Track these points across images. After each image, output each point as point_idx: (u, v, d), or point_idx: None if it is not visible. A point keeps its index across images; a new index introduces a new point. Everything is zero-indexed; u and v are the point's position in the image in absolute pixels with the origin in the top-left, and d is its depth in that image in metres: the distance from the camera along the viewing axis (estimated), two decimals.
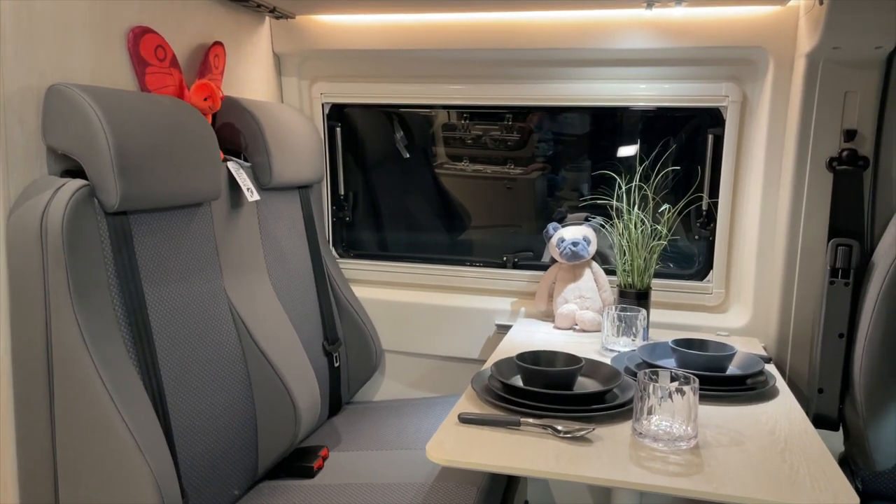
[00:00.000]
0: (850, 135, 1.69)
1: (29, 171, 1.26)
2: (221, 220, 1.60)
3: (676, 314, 1.99)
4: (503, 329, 2.06)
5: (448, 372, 2.16)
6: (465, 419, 1.25)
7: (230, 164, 1.66)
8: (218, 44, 1.75)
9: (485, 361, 2.06)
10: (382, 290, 2.22)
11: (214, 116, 1.74)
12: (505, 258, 2.19)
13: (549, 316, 2.04)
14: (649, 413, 1.17)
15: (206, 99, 1.60)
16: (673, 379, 1.19)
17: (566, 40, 1.89)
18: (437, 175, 2.27)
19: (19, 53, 1.23)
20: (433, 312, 2.13)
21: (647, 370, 1.19)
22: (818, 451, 1.16)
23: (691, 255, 2.07)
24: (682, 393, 1.15)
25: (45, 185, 1.23)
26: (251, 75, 2.00)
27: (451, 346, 2.12)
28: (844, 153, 1.69)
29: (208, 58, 1.71)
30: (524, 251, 2.20)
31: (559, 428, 1.20)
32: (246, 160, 1.78)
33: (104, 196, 1.24)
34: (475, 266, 2.21)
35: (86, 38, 1.38)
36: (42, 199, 1.20)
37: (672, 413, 1.16)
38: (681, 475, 1.06)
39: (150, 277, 1.36)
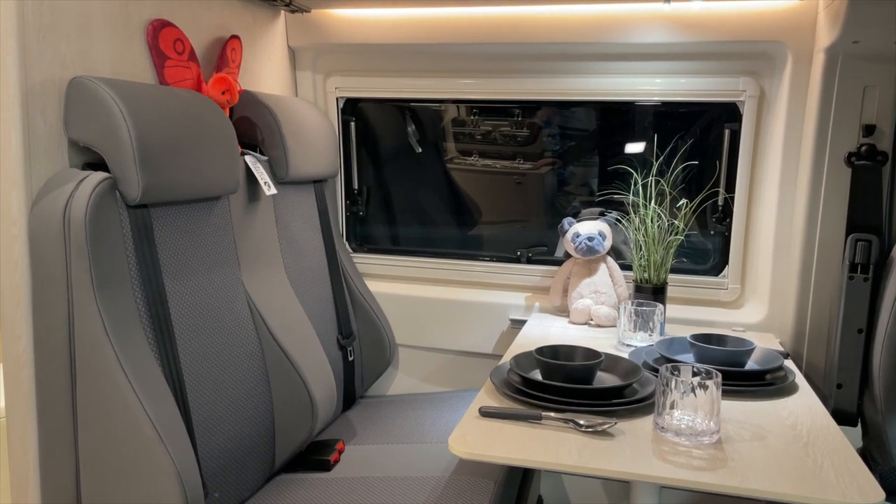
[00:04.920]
0: (868, 130, 1.68)
1: (51, 164, 1.26)
2: (239, 213, 1.60)
3: (691, 309, 1.98)
4: (517, 324, 2.06)
5: (462, 366, 2.16)
6: (485, 413, 1.25)
7: (248, 158, 1.66)
8: (235, 37, 1.75)
9: (499, 356, 2.07)
10: (396, 284, 2.22)
11: (231, 110, 1.74)
12: (519, 253, 2.19)
13: (563, 311, 2.04)
14: (671, 408, 1.17)
15: (224, 93, 1.60)
16: (695, 374, 1.19)
17: (582, 34, 1.89)
18: (449, 170, 2.27)
19: (41, 46, 1.23)
20: (447, 307, 2.13)
21: (668, 365, 1.19)
22: (841, 446, 1.16)
23: (706, 250, 2.06)
24: (705, 388, 1.15)
25: (67, 177, 1.23)
26: (266, 69, 2.00)
27: (464, 341, 2.12)
28: (863, 148, 1.68)
29: (225, 51, 1.71)
30: (537, 246, 2.20)
31: (581, 422, 1.19)
32: (262, 154, 1.78)
33: (126, 188, 1.25)
34: (488, 261, 2.20)
35: (106, 31, 1.38)
36: (65, 192, 1.20)
37: (694, 408, 1.16)
38: (705, 469, 1.06)
39: (170, 270, 1.37)
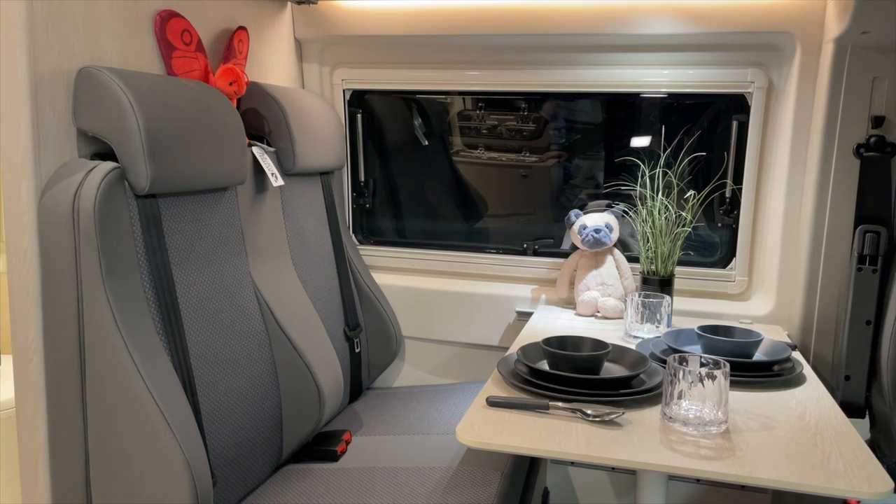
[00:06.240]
0: (877, 121, 1.67)
1: (60, 154, 1.27)
2: (246, 204, 1.61)
3: (698, 302, 1.98)
4: (524, 316, 2.06)
5: (468, 359, 2.17)
6: (493, 402, 1.25)
7: (255, 149, 1.66)
8: (242, 29, 1.75)
9: (505, 349, 2.07)
10: (402, 276, 2.22)
11: (238, 101, 1.74)
12: (525, 245, 2.18)
13: (569, 303, 2.04)
14: (679, 398, 1.17)
15: (231, 83, 1.60)
16: (703, 364, 1.18)
17: (589, 26, 1.88)
18: (456, 163, 2.27)
19: (50, 37, 1.24)
20: (453, 299, 2.13)
21: (676, 355, 1.19)
22: (850, 436, 1.16)
23: (713, 242, 2.06)
24: (713, 378, 1.14)
25: (76, 167, 1.24)
26: (273, 61, 2.00)
27: (471, 333, 2.13)
28: (872, 139, 1.67)
29: (232, 43, 1.71)
30: (544, 238, 2.20)
31: (588, 412, 1.19)
32: (269, 145, 1.78)
33: (134, 178, 1.25)
34: (495, 253, 2.20)
35: (114, 21, 1.38)
36: (74, 182, 1.20)
37: (702, 398, 1.16)
38: (713, 459, 1.06)
39: (178, 260, 1.37)
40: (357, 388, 2.05)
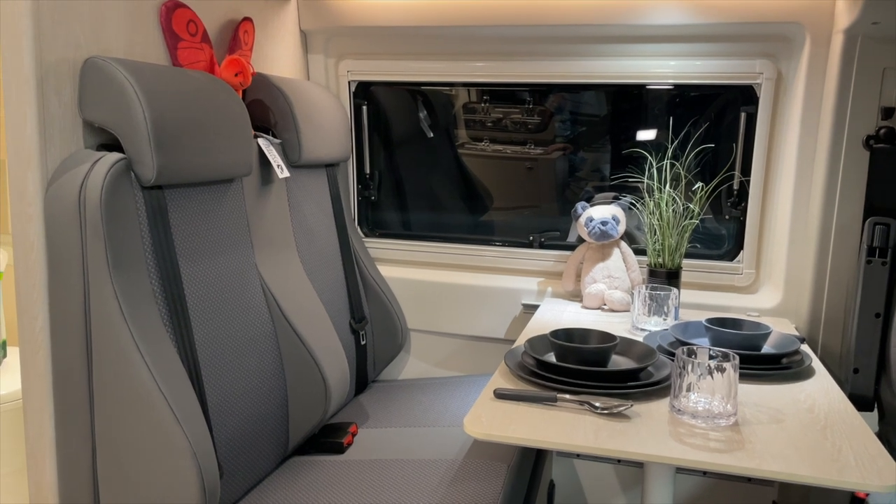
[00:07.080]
0: (887, 112, 1.66)
1: (66, 145, 1.26)
2: (252, 196, 1.60)
3: (705, 294, 1.97)
4: (530, 309, 2.06)
5: (474, 351, 2.16)
6: (500, 394, 1.25)
7: (260, 141, 1.65)
8: (247, 20, 1.74)
9: (511, 341, 2.07)
10: (408, 269, 2.22)
11: (244, 93, 1.73)
12: (531, 238, 2.18)
13: (576, 296, 2.03)
14: (688, 390, 1.16)
15: (237, 74, 1.59)
16: (711, 357, 1.18)
17: (596, 16, 1.87)
18: (461, 155, 2.26)
19: (55, 27, 1.23)
20: (459, 292, 2.13)
21: (685, 347, 1.18)
22: (859, 429, 1.15)
23: (721, 235, 2.04)
24: (722, 370, 1.14)
25: (82, 158, 1.23)
26: (278, 52, 1.99)
27: (477, 326, 2.12)
28: (882, 131, 1.66)
29: (238, 34, 1.70)
30: (550, 231, 2.19)
31: (596, 404, 1.19)
32: (275, 137, 1.77)
33: (141, 169, 1.24)
34: (501, 246, 2.20)
35: (119, 11, 1.38)
36: (80, 172, 1.20)
37: (711, 390, 1.15)
38: (722, 451, 1.06)
39: (185, 252, 1.37)
40: (363, 380, 2.04)
